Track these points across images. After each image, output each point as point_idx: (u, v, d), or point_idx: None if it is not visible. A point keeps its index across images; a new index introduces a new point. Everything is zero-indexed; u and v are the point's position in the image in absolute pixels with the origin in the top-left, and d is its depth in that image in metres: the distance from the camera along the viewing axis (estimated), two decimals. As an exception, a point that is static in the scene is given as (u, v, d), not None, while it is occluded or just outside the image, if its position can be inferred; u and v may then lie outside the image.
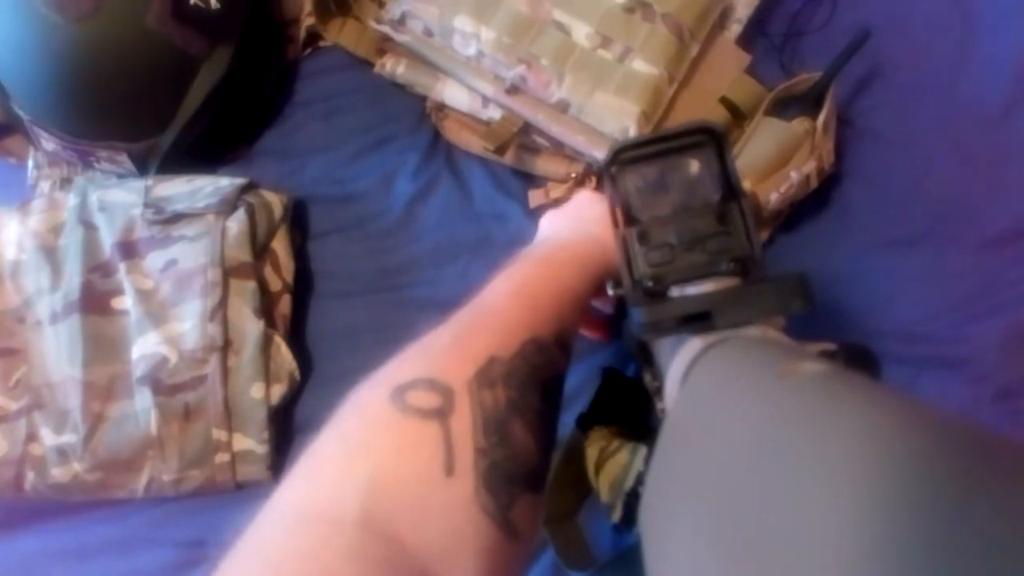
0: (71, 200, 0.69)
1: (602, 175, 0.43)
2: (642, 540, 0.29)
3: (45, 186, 0.74)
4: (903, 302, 0.69)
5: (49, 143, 0.69)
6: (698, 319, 0.34)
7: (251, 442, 0.65)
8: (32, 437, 0.64)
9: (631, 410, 0.53)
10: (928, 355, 0.67)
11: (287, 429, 0.69)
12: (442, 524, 0.32)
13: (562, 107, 0.62)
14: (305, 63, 0.77)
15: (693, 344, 0.33)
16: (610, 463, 0.52)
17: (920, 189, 0.70)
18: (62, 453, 0.63)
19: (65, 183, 0.74)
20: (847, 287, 0.69)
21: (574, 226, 0.52)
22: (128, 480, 0.64)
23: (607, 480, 0.53)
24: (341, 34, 0.73)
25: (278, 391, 0.66)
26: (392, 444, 0.32)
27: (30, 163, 0.74)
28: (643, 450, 0.46)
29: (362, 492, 0.30)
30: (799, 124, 0.60)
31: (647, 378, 0.46)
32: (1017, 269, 0.68)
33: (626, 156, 0.41)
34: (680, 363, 0.34)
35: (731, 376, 0.30)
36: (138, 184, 0.69)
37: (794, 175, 0.60)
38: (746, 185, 0.60)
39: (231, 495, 0.67)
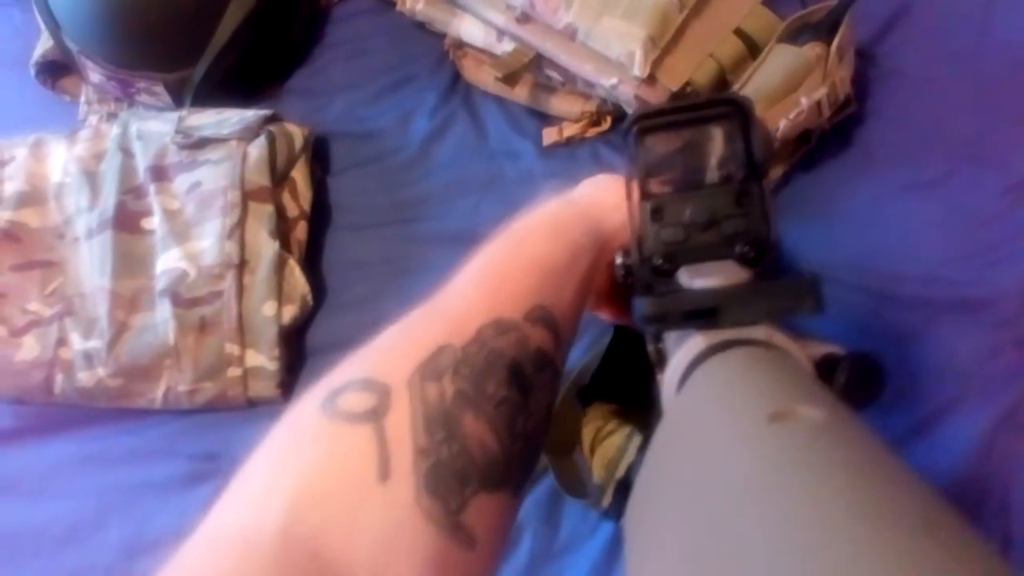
0: (114, 130, 0.74)
1: (623, 133, 0.40)
2: (626, 540, 0.28)
3: (93, 119, 0.79)
4: (924, 245, 0.66)
5: (95, 74, 0.74)
6: (704, 314, 0.32)
7: (262, 358, 0.68)
8: (62, 341, 0.68)
9: (634, 379, 0.52)
10: (947, 298, 0.65)
11: (300, 351, 0.71)
12: (375, 534, 0.29)
13: (570, 33, 0.63)
14: (337, 8, 0.81)
15: (696, 341, 0.32)
16: (605, 443, 0.52)
17: (944, 131, 0.68)
18: (88, 358, 0.67)
19: (111, 117, 0.79)
20: (868, 228, 0.67)
21: (579, 199, 0.49)
22: (147, 389, 0.68)
23: (601, 461, 0.52)
24: (368, -25, 0.76)
25: (290, 311, 0.69)
26: (320, 453, 0.30)
27: (82, 98, 0.80)
28: (637, 438, 0.44)
29: (285, 505, 0.28)
30: (810, 49, 0.59)
31: (650, 348, 0.44)
32: (1041, 215, 0.65)
33: (647, 123, 0.40)
34: (682, 359, 0.32)
35: (728, 401, 0.28)
36: (173, 115, 0.73)
37: (804, 101, 0.59)
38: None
39: (242, 413, 0.70)
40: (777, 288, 0.32)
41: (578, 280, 0.41)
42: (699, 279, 0.34)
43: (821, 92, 0.59)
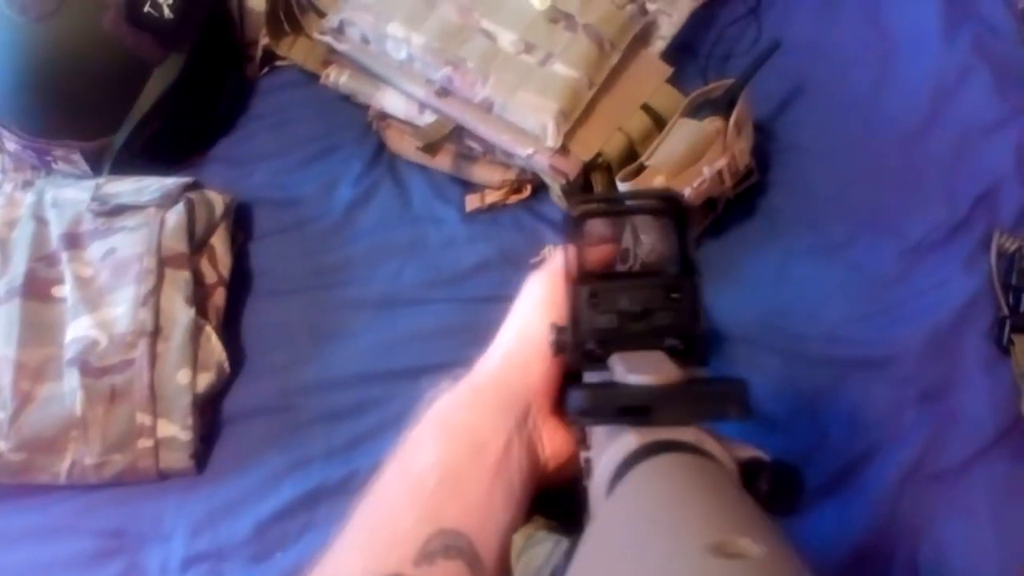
0: (28, 198, 0.73)
1: (565, 212, 0.42)
2: None
3: (8, 188, 0.78)
4: (827, 306, 0.69)
5: (11, 143, 0.73)
6: (637, 411, 0.33)
7: (175, 428, 0.66)
8: (-39, 415, 0.65)
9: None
10: (852, 356, 0.67)
11: (215, 421, 0.70)
12: None
13: (487, 106, 0.66)
14: (262, 80, 0.82)
15: (628, 440, 0.32)
16: (531, 551, 0.51)
17: (842, 200, 0.72)
18: (-12, 431, 0.64)
19: (27, 185, 0.78)
20: (775, 290, 0.70)
21: (492, 361, 0.47)
22: (51, 463, 0.65)
23: (525, 569, 0.52)
24: (292, 50, 0.78)
25: (205, 379, 0.67)
26: None
27: (-4, 167, 0.78)
28: (564, 543, 0.43)
29: None
30: (710, 123, 0.63)
31: (580, 450, 0.43)
32: (936, 276, 0.69)
33: (588, 208, 0.41)
34: (613, 456, 0.33)
35: (664, 524, 0.27)
36: (90, 183, 0.72)
37: (706, 170, 0.62)
38: (660, 180, 0.63)
39: (152, 486, 0.67)
40: (707, 392, 0.34)
41: (490, 474, 0.39)
42: (633, 375, 0.34)
43: (721, 162, 0.62)
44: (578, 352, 0.39)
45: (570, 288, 0.40)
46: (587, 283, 0.40)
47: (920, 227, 0.70)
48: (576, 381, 0.43)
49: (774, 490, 0.31)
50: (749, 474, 0.32)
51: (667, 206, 0.41)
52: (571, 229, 0.41)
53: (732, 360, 0.69)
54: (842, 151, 0.73)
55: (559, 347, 0.41)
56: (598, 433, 0.37)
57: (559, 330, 0.41)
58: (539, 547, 0.46)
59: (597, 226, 0.43)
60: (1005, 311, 0.66)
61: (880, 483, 0.63)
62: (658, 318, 0.39)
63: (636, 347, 0.38)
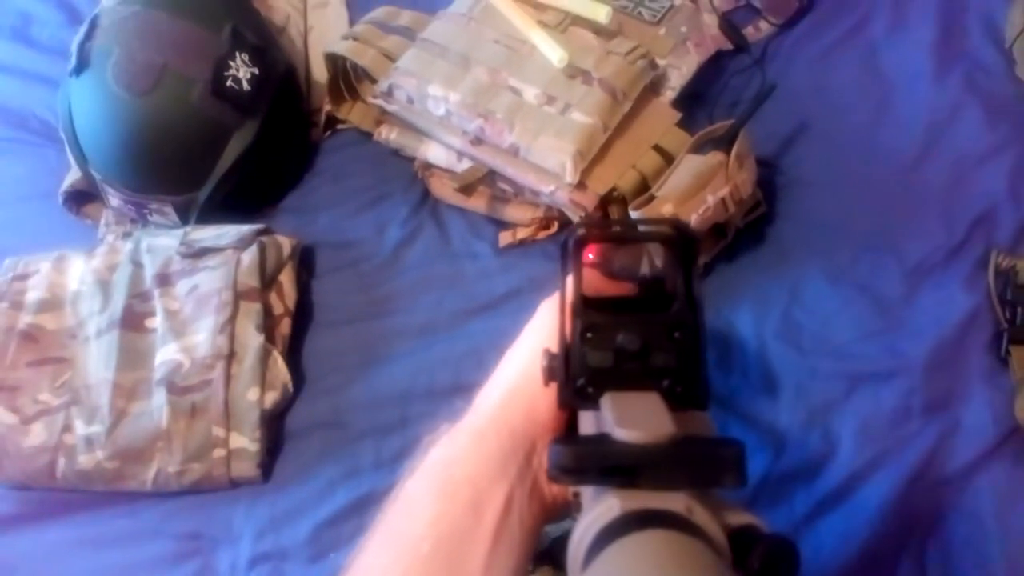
0: (127, 246, 0.85)
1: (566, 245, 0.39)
2: None
3: (110, 238, 0.91)
4: (836, 324, 0.74)
5: (114, 199, 0.86)
6: (622, 471, 0.30)
7: (245, 440, 0.75)
8: (67, 428, 0.75)
9: None
10: (860, 371, 0.72)
11: (279, 435, 0.78)
12: None
13: (514, 151, 0.75)
14: (325, 142, 0.94)
15: (610, 506, 0.29)
16: None
17: (846, 227, 0.78)
18: (89, 442, 0.74)
19: (126, 236, 0.91)
20: (785, 310, 0.76)
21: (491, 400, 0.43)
22: (139, 471, 0.75)
23: None
24: (351, 113, 0.89)
25: (272, 397, 0.77)
26: None
27: (102, 221, 0.92)
28: None
29: None
30: (713, 156, 0.70)
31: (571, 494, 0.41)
32: (937, 294, 0.73)
33: (590, 232, 0.39)
34: (593, 523, 0.30)
35: None
36: (179, 232, 0.84)
37: (710, 198, 0.69)
38: (668, 208, 0.70)
39: (225, 494, 0.76)
40: (701, 457, 0.31)
41: (490, 537, 0.36)
42: (622, 428, 0.31)
43: (724, 191, 0.69)
44: (569, 389, 0.36)
45: (563, 319, 0.37)
46: (583, 316, 0.36)
47: (921, 249, 0.75)
48: (573, 418, 0.41)
49: (765, 569, 0.28)
50: (740, 546, 0.29)
51: (673, 234, 0.38)
52: (570, 255, 0.38)
53: (747, 374, 0.74)
54: (844, 182, 0.79)
55: (549, 374, 0.38)
56: (586, 488, 0.34)
57: (551, 357, 0.38)
58: None
59: (616, 255, 0.40)
60: (1003, 324, 0.70)
61: (887, 490, 0.67)
62: (656, 358, 0.35)
63: (631, 386, 0.35)
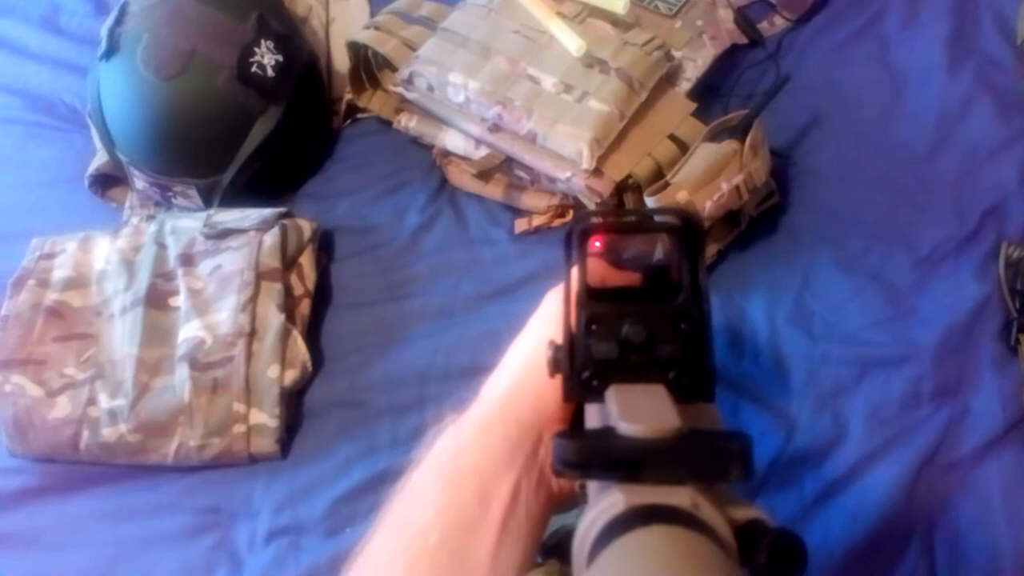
0: (152, 228, 0.87)
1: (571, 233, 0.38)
2: None
3: (135, 220, 0.93)
4: (846, 312, 0.76)
5: (140, 181, 0.88)
6: (627, 466, 0.30)
7: (264, 416, 0.77)
8: (91, 401, 0.77)
9: None
10: (871, 357, 0.73)
11: (298, 413, 0.80)
12: None
13: (531, 138, 0.76)
14: (346, 130, 0.96)
15: (615, 500, 0.29)
16: None
17: (858, 217, 0.79)
18: (113, 415, 0.76)
19: (150, 218, 0.93)
20: (797, 297, 0.77)
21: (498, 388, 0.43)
22: (161, 444, 0.76)
23: None
24: (371, 101, 0.91)
25: (291, 375, 0.78)
26: None
27: (127, 204, 0.94)
28: None
29: None
30: (727, 144, 0.72)
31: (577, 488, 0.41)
32: (948, 283, 0.74)
33: (595, 221, 0.38)
34: (598, 517, 0.29)
35: None
36: (202, 215, 0.86)
37: (724, 185, 0.71)
38: (683, 195, 0.72)
39: (244, 469, 0.78)
40: (706, 449, 0.31)
41: (496, 529, 0.36)
42: (626, 422, 0.31)
43: (738, 178, 0.71)
44: (573, 382, 0.36)
45: (567, 310, 0.37)
46: (588, 307, 0.36)
47: (932, 239, 0.76)
48: (580, 409, 0.41)
49: (772, 564, 0.28)
50: (747, 541, 0.29)
51: (680, 224, 0.37)
52: (573, 245, 0.38)
53: (759, 359, 0.75)
54: (856, 174, 0.80)
55: (555, 366, 0.37)
56: (591, 482, 0.34)
57: (556, 348, 0.37)
58: None
59: (623, 244, 0.40)
60: (1013, 314, 0.71)
61: (896, 473, 0.68)
62: (662, 350, 0.35)
63: (636, 378, 0.35)
